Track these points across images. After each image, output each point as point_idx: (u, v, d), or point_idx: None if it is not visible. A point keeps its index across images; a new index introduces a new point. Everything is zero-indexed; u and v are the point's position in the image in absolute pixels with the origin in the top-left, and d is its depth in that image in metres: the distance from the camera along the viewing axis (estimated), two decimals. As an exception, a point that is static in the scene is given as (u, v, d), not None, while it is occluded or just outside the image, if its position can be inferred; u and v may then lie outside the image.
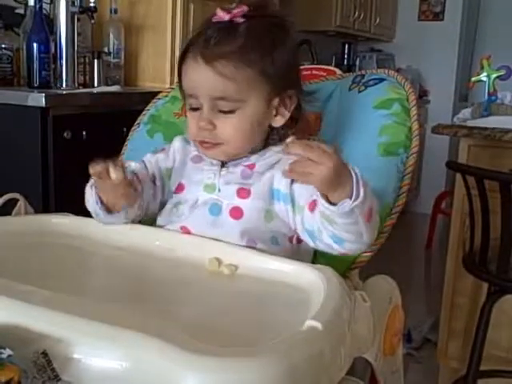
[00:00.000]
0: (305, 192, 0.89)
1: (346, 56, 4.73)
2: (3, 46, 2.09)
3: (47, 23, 2.10)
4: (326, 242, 0.87)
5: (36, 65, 2.06)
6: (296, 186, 0.91)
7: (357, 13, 4.24)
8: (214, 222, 0.93)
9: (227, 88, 0.90)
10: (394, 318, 0.93)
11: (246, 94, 0.91)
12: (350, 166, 0.79)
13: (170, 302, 0.77)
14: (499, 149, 1.91)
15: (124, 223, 0.96)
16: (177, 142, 1.04)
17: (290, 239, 0.95)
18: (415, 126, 1.05)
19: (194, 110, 0.94)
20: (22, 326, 0.62)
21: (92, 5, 2.25)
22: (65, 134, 1.83)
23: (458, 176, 1.90)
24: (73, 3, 2.18)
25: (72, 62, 2.20)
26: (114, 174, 0.87)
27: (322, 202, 0.81)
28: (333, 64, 4.23)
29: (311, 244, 0.91)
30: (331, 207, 0.80)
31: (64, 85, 2.17)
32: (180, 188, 1.00)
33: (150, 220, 1.02)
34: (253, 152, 0.97)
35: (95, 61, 2.34)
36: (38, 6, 2.04)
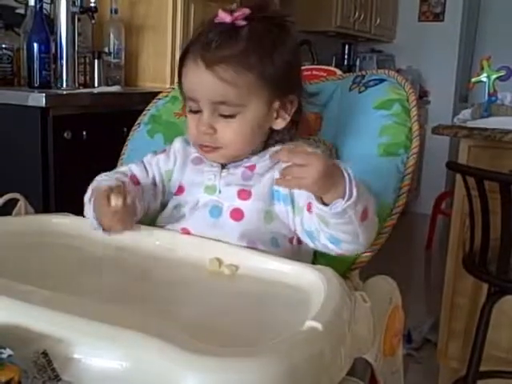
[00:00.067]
0: (304, 193, 0.89)
1: (346, 56, 4.73)
2: (4, 45, 2.09)
3: (48, 23, 2.10)
4: (323, 243, 0.88)
5: (36, 65, 2.06)
6: None
7: (357, 13, 4.24)
8: (215, 224, 0.93)
9: (228, 93, 0.89)
10: (394, 319, 0.93)
11: (246, 98, 0.90)
12: (343, 166, 0.79)
13: (170, 302, 0.77)
14: (499, 149, 1.91)
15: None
16: (177, 143, 1.04)
17: (290, 240, 0.95)
18: (415, 126, 1.05)
19: (194, 112, 0.94)
20: (23, 326, 0.62)
21: (92, 5, 2.25)
22: (65, 134, 1.83)
23: (458, 177, 1.90)
24: (73, 3, 2.18)
25: (72, 62, 2.20)
26: (114, 201, 0.86)
27: (315, 203, 0.81)
28: (333, 64, 4.23)
29: (311, 245, 0.91)
30: (324, 208, 0.80)
31: (64, 85, 2.17)
32: (180, 190, 1.00)
33: (150, 220, 1.02)
34: (253, 153, 0.97)
35: (95, 61, 2.34)
36: (38, 6, 2.04)
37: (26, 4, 2.16)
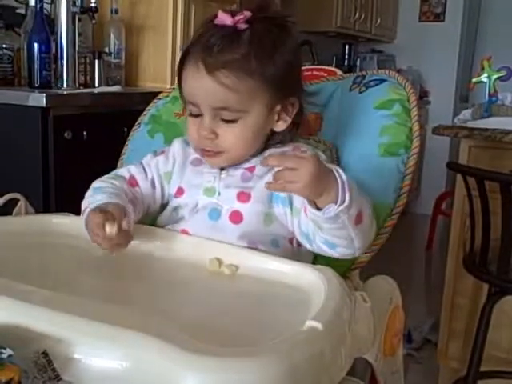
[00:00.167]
0: None
1: (346, 57, 4.74)
2: (4, 45, 2.09)
3: (48, 23, 2.10)
4: (319, 246, 0.88)
5: (37, 65, 2.06)
6: None
7: (357, 13, 4.24)
8: (214, 227, 0.93)
9: (229, 98, 0.88)
10: (395, 319, 0.93)
11: (248, 103, 0.90)
12: (336, 170, 0.79)
13: (171, 302, 0.77)
14: (500, 150, 1.91)
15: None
16: (176, 144, 1.04)
17: (290, 241, 0.95)
18: (416, 126, 1.05)
19: (195, 116, 0.93)
20: (23, 326, 0.62)
21: (93, 5, 2.25)
22: (65, 134, 1.84)
23: (459, 177, 1.90)
24: (74, 3, 2.18)
25: (73, 62, 2.20)
26: (108, 229, 0.83)
27: (308, 207, 0.81)
28: (333, 65, 4.24)
29: (308, 247, 0.91)
30: (317, 212, 0.80)
31: (65, 85, 2.17)
32: (180, 192, 0.99)
33: (150, 220, 1.02)
34: (253, 154, 0.97)
35: (96, 61, 2.33)
36: (38, 6, 2.04)
37: (27, 4, 2.16)
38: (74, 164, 1.85)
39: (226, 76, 0.87)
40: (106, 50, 2.44)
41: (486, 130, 1.88)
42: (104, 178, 1.01)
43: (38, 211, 1.05)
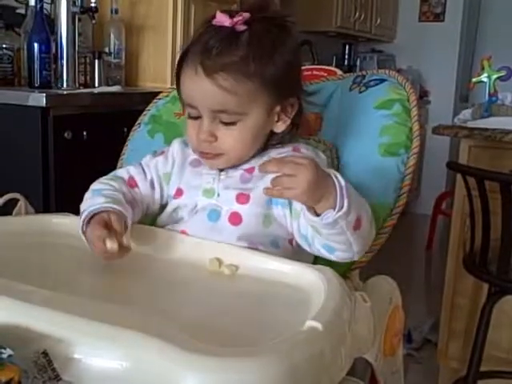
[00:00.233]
0: None
1: (346, 56, 4.74)
2: (4, 45, 2.09)
3: (48, 23, 2.10)
4: (318, 249, 0.88)
5: (37, 65, 2.06)
6: None
7: (357, 13, 4.24)
8: (213, 228, 0.93)
9: (228, 101, 0.88)
10: (395, 319, 0.93)
11: (247, 106, 0.89)
12: (335, 175, 0.79)
13: (171, 302, 0.77)
14: (500, 150, 1.91)
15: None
16: (176, 145, 1.03)
17: (290, 242, 0.95)
18: (416, 126, 1.05)
19: (194, 118, 0.93)
20: (23, 326, 0.62)
21: (93, 5, 2.25)
22: (65, 134, 1.84)
23: (459, 177, 1.90)
24: (74, 3, 2.18)
25: (73, 62, 2.20)
26: (109, 244, 0.83)
27: (306, 213, 0.81)
28: (333, 64, 4.23)
29: (307, 249, 0.91)
30: (315, 218, 0.80)
31: (65, 85, 2.17)
32: (179, 193, 0.99)
33: (150, 220, 1.02)
34: (253, 155, 0.96)
35: (96, 61, 2.34)
36: (38, 6, 2.04)
37: (27, 4, 2.16)
38: (73, 164, 1.85)
39: (225, 79, 0.87)
40: (106, 49, 2.44)
41: (486, 129, 1.88)
42: (103, 179, 1.01)
43: (37, 211, 1.05)
